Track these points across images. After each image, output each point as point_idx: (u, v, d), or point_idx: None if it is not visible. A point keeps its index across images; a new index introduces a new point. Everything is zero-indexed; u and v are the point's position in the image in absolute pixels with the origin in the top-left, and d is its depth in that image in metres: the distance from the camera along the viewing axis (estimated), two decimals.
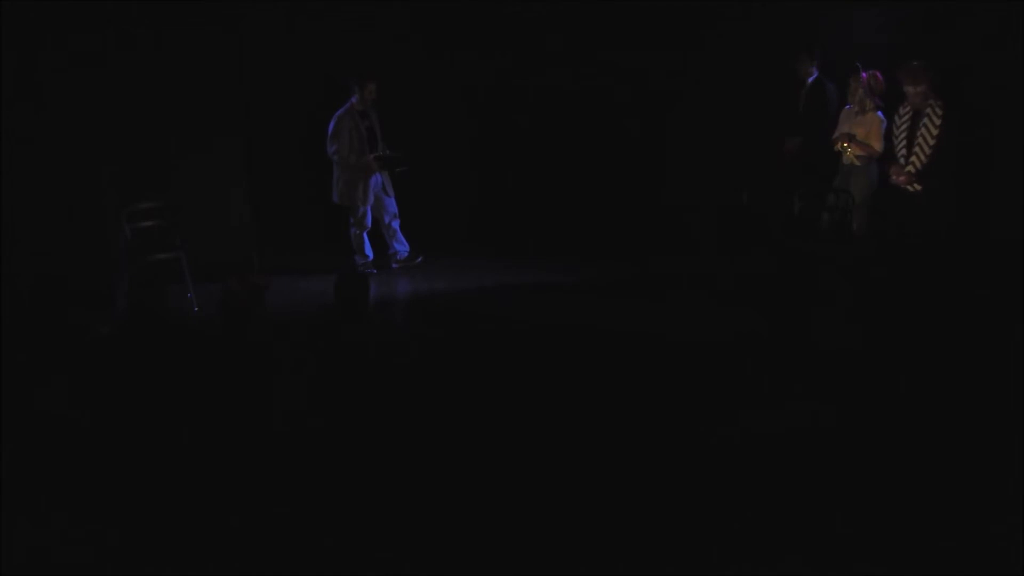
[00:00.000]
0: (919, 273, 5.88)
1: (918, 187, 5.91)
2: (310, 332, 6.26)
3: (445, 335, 6.30)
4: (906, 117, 6.00)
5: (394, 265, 8.15)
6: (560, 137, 9.25)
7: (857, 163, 6.73)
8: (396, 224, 8.09)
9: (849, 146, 6.71)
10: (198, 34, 7.44)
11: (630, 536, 3.39)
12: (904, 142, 5.98)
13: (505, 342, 6.00)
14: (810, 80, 7.60)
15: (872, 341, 5.67)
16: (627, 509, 3.59)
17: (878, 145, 6.58)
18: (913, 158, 5.91)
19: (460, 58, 8.82)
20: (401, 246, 8.15)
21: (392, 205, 8.04)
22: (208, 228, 7.44)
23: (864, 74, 6.64)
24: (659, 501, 3.67)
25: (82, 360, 5.57)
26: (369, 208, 7.90)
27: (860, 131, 6.72)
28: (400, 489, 3.78)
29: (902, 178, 5.95)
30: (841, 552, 3.26)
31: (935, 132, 5.80)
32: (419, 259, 8.16)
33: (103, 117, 6.89)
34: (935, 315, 5.78)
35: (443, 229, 8.66)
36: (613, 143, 9.26)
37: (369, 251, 8.02)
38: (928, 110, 5.84)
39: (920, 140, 5.88)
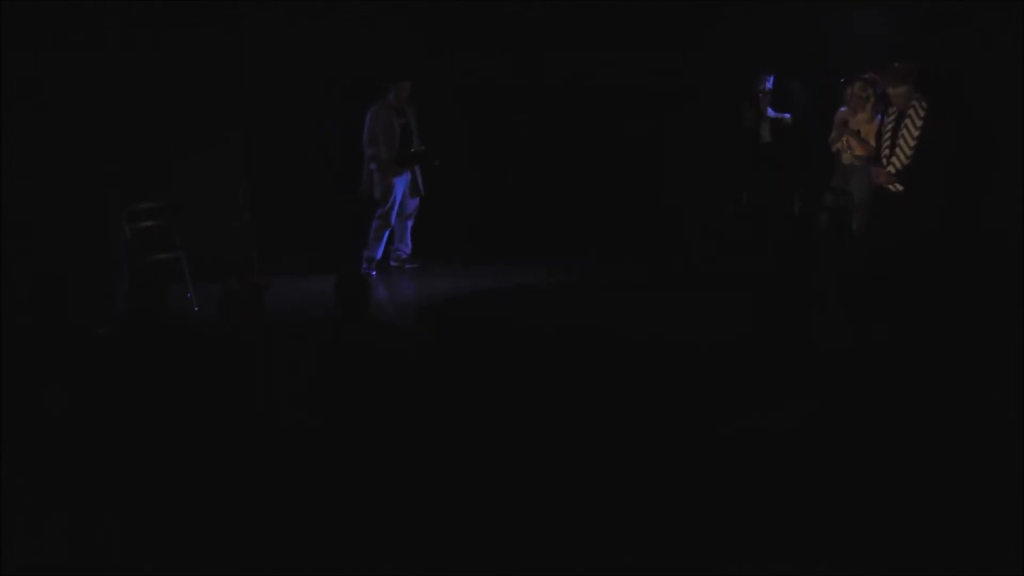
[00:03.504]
0: (917, 273, 5.88)
1: (899, 187, 5.92)
2: (310, 332, 6.27)
3: (445, 335, 6.30)
4: (892, 118, 6.03)
5: (392, 262, 8.17)
6: (560, 137, 9.25)
7: (856, 163, 6.73)
8: (409, 224, 8.11)
9: (850, 143, 6.70)
10: (198, 34, 7.44)
11: (629, 536, 3.39)
12: (888, 142, 6.01)
13: (505, 342, 6.00)
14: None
15: (871, 341, 5.67)
16: (626, 509, 3.59)
17: (875, 144, 6.59)
18: (894, 158, 5.93)
19: (460, 58, 8.82)
20: (404, 247, 8.17)
21: (412, 205, 8.05)
22: (208, 228, 7.44)
23: (879, 86, 6.63)
24: (658, 501, 3.67)
25: (82, 360, 5.57)
26: (397, 205, 7.91)
27: (860, 132, 6.72)
28: (401, 489, 3.78)
29: (882, 178, 5.97)
30: (841, 553, 3.26)
31: (915, 132, 5.82)
32: (414, 265, 8.16)
33: (103, 117, 6.89)
34: (934, 315, 5.78)
35: (444, 229, 8.66)
36: (613, 143, 9.26)
37: (379, 251, 8.02)
38: (911, 110, 5.86)
39: (901, 140, 5.90)
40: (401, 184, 7.89)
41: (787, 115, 7.72)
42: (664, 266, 8.22)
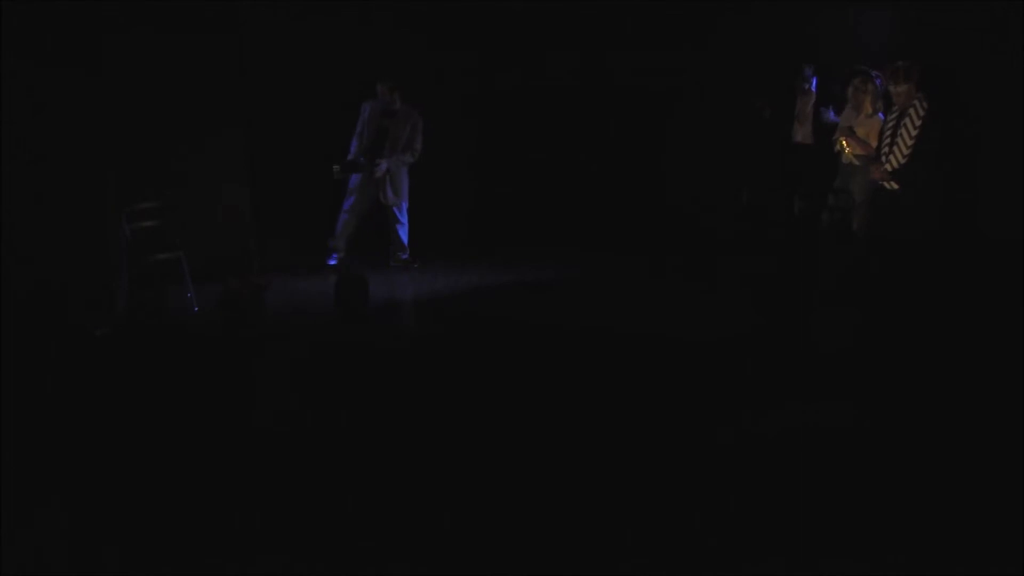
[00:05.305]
0: (917, 273, 5.89)
1: (895, 185, 5.92)
2: (310, 332, 6.27)
3: (444, 335, 6.29)
4: (894, 116, 6.03)
5: (392, 263, 8.18)
6: (560, 137, 9.26)
7: (856, 162, 6.73)
8: (401, 230, 8.11)
9: (847, 143, 6.71)
10: (198, 34, 7.44)
11: (628, 536, 3.39)
12: (888, 140, 6.01)
13: (504, 342, 6.00)
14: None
15: (871, 341, 5.68)
16: (626, 509, 3.60)
17: (876, 144, 6.59)
18: (892, 156, 5.93)
19: (460, 58, 8.82)
20: (402, 252, 8.18)
21: (395, 213, 8.04)
22: (208, 228, 7.44)
23: (879, 80, 6.63)
24: (658, 501, 3.67)
25: (82, 360, 5.58)
26: (351, 199, 7.98)
27: (860, 131, 6.72)
28: (400, 489, 3.79)
29: (878, 175, 5.98)
30: (840, 552, 3.26)
31: (914, 131, 5.82)
32: (415, 265, 8.17)
33: (103, 117, 6.88)
34: (934, 315, 5.78)
35: (443, 229, 8.66)
36: (613, 143, 9.27)
37: (339, 239, 8.07)
38: (911, 109, 5.86)
39: (899, 138, 5.89)
40: (358, 181, 7.96)
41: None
42: (665, 265, 8.22)
